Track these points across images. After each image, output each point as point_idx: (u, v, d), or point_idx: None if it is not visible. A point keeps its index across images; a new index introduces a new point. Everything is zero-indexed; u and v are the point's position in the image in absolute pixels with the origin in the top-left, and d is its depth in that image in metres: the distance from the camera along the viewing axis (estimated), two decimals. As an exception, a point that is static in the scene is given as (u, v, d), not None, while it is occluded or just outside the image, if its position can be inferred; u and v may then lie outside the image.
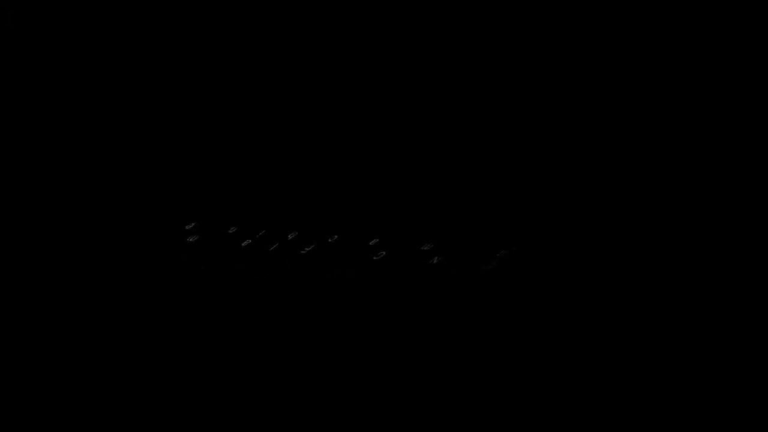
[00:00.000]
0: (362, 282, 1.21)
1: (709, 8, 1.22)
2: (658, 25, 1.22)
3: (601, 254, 1.17)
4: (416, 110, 1.33)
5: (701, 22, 1.22)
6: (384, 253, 1.22)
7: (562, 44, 1.25)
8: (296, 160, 1.35)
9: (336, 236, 1.26)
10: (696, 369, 1.05)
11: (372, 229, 1.26)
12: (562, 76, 1.26)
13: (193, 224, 1.30)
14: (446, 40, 1.29)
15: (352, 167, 1.32)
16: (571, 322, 1.11)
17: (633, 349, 1.08)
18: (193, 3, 1.42)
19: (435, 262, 1.20)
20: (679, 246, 1.15)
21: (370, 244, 1.24)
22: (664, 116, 1.23)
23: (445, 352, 1.13)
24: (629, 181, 1.21)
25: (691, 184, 1.19)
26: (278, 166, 1.35)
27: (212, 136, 1.39)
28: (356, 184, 1.31)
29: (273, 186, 1.34)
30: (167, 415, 1.14)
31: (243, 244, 1.28)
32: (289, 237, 1.28)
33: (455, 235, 1.23)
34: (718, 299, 1.09)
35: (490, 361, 1.11)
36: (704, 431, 1.01)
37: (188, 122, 1.39)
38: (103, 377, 1.18)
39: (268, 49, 1.40)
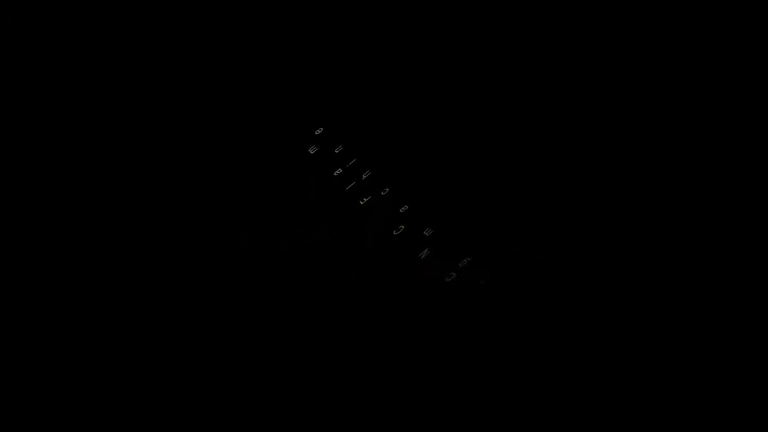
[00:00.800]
0: (362, 282, 1.21)
1: (709, 8, 1.22)
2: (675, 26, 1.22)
3: (606, 254, 1.17)
4: (425, 107, 1.33)
5: (702, 22, 1.22)
6: (402, 227, 1.22)
7: (589, 44, 1.26)
8: (296, 158, 1.35)
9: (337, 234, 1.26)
10: (699, 371, 1.05)
11: (374, 227, 1.26)
12: (583, 82, 1.26)
13: (321, 129, 1.28)
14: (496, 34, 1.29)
15: (356, 162, 1.32)
16: (578, 325, 1.12)
17: (631, 349, 1.08)
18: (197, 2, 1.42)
19: (423, 256, 1.20)
20: (682, 247, 1.15)
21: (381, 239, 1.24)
22: (669, 118, 1.23)
23: (446, 353, 1.13)
24: (638, 181, 1.21)
25: (693, 184, 1.19)
26: (277, 164, 1.35)
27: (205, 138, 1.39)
28: (358, 181, 1.31)
29: (272, 185, 1.33)
30: (167, 415, 1.14)
31: (243, 244, 1.28)
32: (290, 236, 1.28)
33: (457, 236, 1.23)
34: (722, 300, 1.10)
35: (489, 361, 1.11)
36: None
37: (174, 127, 1.39)
38: (102, 378, 1.18)
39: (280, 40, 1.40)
